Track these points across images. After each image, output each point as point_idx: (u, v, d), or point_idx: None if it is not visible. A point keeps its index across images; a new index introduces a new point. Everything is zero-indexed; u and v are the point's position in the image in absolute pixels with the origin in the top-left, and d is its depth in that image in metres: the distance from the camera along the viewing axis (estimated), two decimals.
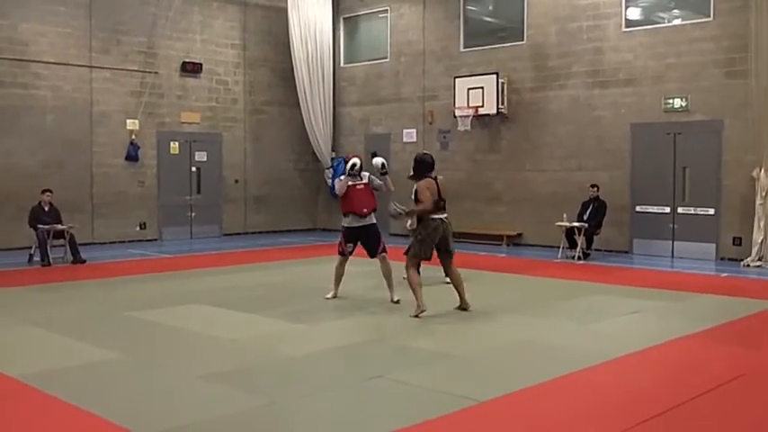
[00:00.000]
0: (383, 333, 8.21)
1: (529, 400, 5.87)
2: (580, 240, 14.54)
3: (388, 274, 9.90)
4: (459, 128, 17.52)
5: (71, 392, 5.88)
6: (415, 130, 19.08)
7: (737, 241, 13.97)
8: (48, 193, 14.14)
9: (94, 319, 9.02)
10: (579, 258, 14.42)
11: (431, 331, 8.39)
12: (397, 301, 9.65)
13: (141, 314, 9.09)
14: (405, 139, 19.30)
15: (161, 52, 18.00)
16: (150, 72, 17.76)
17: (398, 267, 10.02)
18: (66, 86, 16.56)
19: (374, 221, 9.97)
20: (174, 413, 5.50)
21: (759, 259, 13.32)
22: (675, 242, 14.76)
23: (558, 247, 14.95)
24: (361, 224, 9.87)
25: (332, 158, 20.52)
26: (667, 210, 14.82)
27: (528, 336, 8.14)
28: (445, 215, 9.11)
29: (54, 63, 16.33)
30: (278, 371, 6.71)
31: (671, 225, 14.80)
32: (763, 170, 13.21)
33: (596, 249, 14.95)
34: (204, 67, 18.75)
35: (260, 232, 19.78)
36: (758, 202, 13.31)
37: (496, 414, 5.53)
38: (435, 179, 9.12)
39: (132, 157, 17.47)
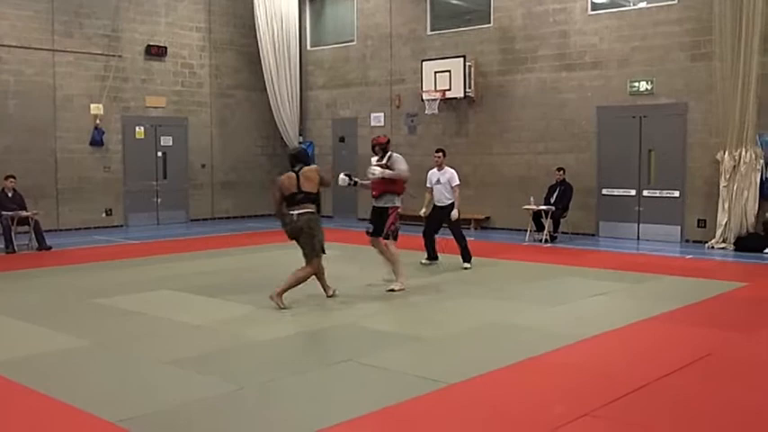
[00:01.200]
0: (352, 317, 8.19)
1: (498, 381, 5.92)
2: (547, 223, 14.64)
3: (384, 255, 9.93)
4: (426, 111, 17.51)
5: (39, 380, 5.81)
6: (382, 114, 19.04)
7: (702, 223, 14.16)
8: (11, 179, 13.92)
9: (61, 306, 8.92)
10: (546, 241, 14.53)
11: (400, 315, 8.43)
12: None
13: (108, 301, 9.00)
14: (372, 123, 19.24)
15: (125, 35, 17.73)
16: (114, 56, 17.49)
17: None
18: (29, 70, 16.25)
19: (386, 204, 9.90)
20: (143, 399, 5.45)
21: (723, 241, 13.51)
22: (641, 224, 14.92)
23: (526, 231, 15.05)
24: (374, 205, 10.10)
25: (299, 143, 20.40)
26: (633, 192, 14.97)
27: (496, 318, 8.19)
28: (303, 210, 8.65)
29: (16, 47, 16.00)
30: (246, 355, 6.69)
31: (636, 207, 14.95)
32: (726, 153, 13.38)
33: (563, 232, 15.07)
34: (169, 50, 18.51)
35: (228, 218, 19.66)
36: (722, 184, 13.48)
37: (466, 396, 5.56)
38: (298, 171, 8.81)
39: (97, 142, 17.22)
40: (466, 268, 11.41)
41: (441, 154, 11.80)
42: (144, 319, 8.16)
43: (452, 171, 11.63)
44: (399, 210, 9.92)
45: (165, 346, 6.94)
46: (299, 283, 8.75)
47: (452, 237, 11.73)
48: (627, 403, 5.35)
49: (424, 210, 11.79)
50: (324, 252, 8.86)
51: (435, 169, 11.69)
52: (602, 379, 5.94)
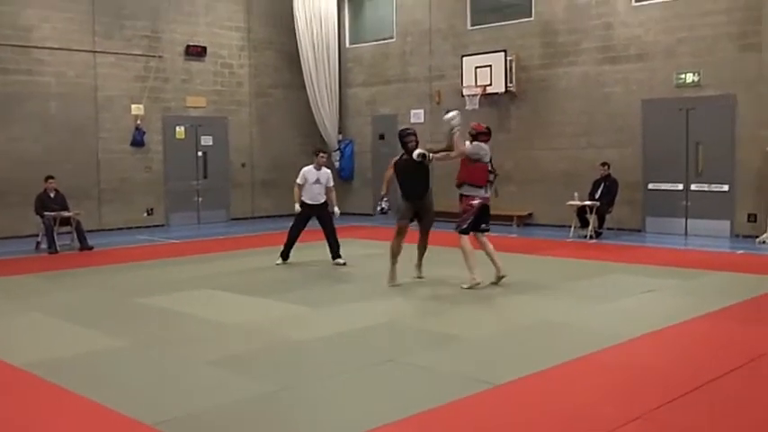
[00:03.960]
0: (394, 316, 8.05)
1: (545, 382, 5.72)
2: (592, 219, 14.34)
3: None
4: (467, 107, 17.27)
5: (76, 381, 5.76)
6: (422, 111, 18.87)
7: (752, 218, 13.75)
8: (51, 180, 14.04)
9: (102, 305, 8.91)
10: (591, 237, 14.23)
11: (442, 313, 8.26)
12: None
13: (149, 300, 8.98)
14: (412, 120, 19.06)
15: (165, 36, 17.81)
16: (154, 56, 17.58)
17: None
18: (70, 72, 16.39)
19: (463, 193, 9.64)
20: (182, 401, 5.37)
21: None
22: (689, 219, 14.55)
23: (570, 227, 14.77)
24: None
25: (339, 141, 20.35)
26: (680, 187, 14.60)
27: (542, 317, 7.98)
28: None
29: (57, 49, 16.16)
30: (287, 356, 6.58)
31: (684, 202, 14.58)
32: None
33: (608, 228, 14.76)
34: (208, 50, 18.55)
35: (268, 216, 19.61)
36: None
37: (512, 397, 5.38)
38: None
39: (138, 142, 17.33)
40: (341, 264, 11.53)
41: (326, 155, 12.24)
42: (184, 318, 8.11)
43: (329, 172, 11.93)
44: (474, 202, 9.37)
45: (205, 347, 6.86)
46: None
47: (325, 232, 11.75)
48: (680, 406, 5.13)
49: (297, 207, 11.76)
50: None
51: (313, 168, 11.76)
52: (653, 380, 5.71)
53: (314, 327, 7.63)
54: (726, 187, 14.06)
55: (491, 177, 9.50)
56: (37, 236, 13.89)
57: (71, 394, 5.49)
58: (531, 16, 16.72)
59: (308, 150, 20.51)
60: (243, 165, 19.43)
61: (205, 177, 18.66)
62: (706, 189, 14.30)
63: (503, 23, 17.23)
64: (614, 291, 9.36)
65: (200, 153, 18.57)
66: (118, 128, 17.10)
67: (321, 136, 20.25)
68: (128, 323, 7.91)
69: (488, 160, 9.51)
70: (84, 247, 13.69)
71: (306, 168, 11.86)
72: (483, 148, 9.48)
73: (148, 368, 6.25)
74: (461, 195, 9.54)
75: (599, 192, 14.57)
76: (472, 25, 17.83)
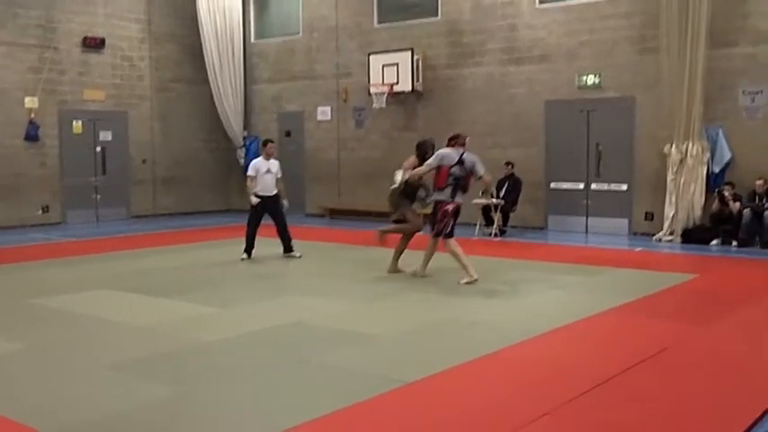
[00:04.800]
0: (301, 315, 7.91)
1: (455, 379, 5.71)
2: (497, 217, 14.53)
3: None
4: (374, 105, 17.27)
5: None
6: (329, 108, 18.73)
7: (649, 216, 14.21)
8: None
9: None
10: (496, 235, 14.41)
11: (353, 312, 8.16)
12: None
13: (45, 301, 8.55)
14: (319, 117, 18.94)
15: (61, 26, 17.09)
16: (49, 47, 16.85)
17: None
18: None
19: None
20: (80, 407, 5.09)
21: (670, 234, 13.58)
22: (589, 218, 14.94)
23: (476, 225, 14.92)
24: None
25: (244, 137, 20.00)
26: (581, 186, 14.97)
27: (450, 314, 8.00)
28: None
29: None
30: (193, 358, 6.35)
31: (585, 201, 14.96)
32: (674, 146, 13.44)
33: (512, 226, 14.99)
34: (107, 42, 17.91)
35: (170, 214, 19.11)
36: (669, 177, 13.55)
37: (423, 395, 5.34)
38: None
39: (32, 136, 16.58)
40: (295, 257, 11.69)
41: (274, 144, 12.31)
42: (84, 320, 7.74)
43: (278, 162, 11.88)
44: (448, 207, 9.52)
45: (104, 350, 6.55)
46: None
47: (276, 226, 11.77)
48: (588, 400, 5.19)
49: (254, 199, 11.63)
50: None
51: (262, 159, 11.73)
52: (561, 375, 5.77)
53: (222, 327, 7.41)
54: (624, 186, 14.49)
55: (450, 181, 9.44)
56: None
57: None
58: (437, 15, 16.81)
59: (211, 147, 20.23)
60: (144, 161, 18.85)
61: (104, 173, 18.01)
62: (606, 188, 14.71)
63: (409, 22, 17.27)
64: (520, 288, 9.49)
65: (98, 148, 17.91)
66: (10, 121, 16.30)
67: (225, 132, 19.89)
68: (20, 325, 7.50)
69: (454, 163, 9.43)
70: None
71: (255, 160, 11.80)
72: (444, 154, 9.54)
73: (43, 373, 5.91)
74: (435, 202, 9.69)
75: (503, 190, 14.76)
76: (379, 23, 17.81)
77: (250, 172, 11.62)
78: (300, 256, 11.67)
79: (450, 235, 9.67)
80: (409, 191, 10.21)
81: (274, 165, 11.68)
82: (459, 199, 9.59)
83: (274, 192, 11.64)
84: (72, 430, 4.64)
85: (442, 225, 9.61)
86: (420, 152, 10.08)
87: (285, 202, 11.86)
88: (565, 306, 8.40)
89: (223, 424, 4.84)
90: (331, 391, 5.44)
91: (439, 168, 9.51)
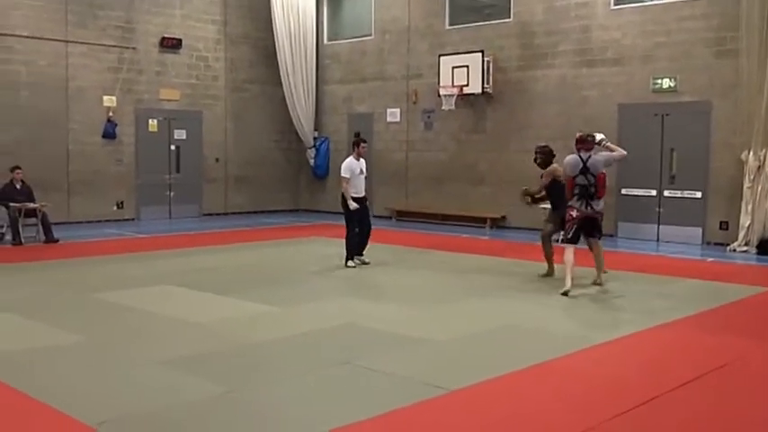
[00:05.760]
0: (355, 317, 7.91)
1: (503, 389, 5.62)
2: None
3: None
4: (443, 107, 17.18)
5: (19, 377, 5.60)
6: (398, 110, 18.73)
7: (724, 225, 13.73)
8: (17, 171, 13.78)
9: (59, 300, 8.69)
10: (563, 241, 14.11)
11: (405, 316, 8.11)
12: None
13: (110, 296, 8.78)
14: (388, 119, 18.95)
15: (139, 27, 17.55)
16: (128, 48, 17.32)
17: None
18: (41, 61, 16.10)
19: None
20: (125, 401, 5.20)
21: (745, 244, 13.10)
22: (661, 226, 14.51)
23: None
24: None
25: (314, 138, 20.18)
26: (653, 193, 14.56)
27: (510, 320, 7.90)
28: None
29: (28, 37, 15.86)
30: (242, 357, 6.42)
31: (657, 208, 14.54)
32: (751, 152, 12.96)
33: None
34: (184, 42, 18.30)
35: (241, 212, 19.42)
36: (746, 185, 13.07)
37: (468, 404, 5.26)
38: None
39: (109, 134, 17.07)
40: (365, 262, 11.21)
41: (367, 144, 11.65)
42: (143, 315, 7.92)
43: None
44: (572, 212, 9.39)
45: (160, 345, 6.69)
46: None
47: (361, 228, 11.23)
48: (635, 417, 5.03)
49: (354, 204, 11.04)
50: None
51: (353, 158, 11.19)
52: (611, 389, 5.61)
53: (275, 326, 7.50)
54: (699, 194, 14.03)
55: (576, 190, 9.24)
56: (1, 227, 13.61)
57: (10, 390, 5.31)
58: (509, 17, 16.62)
59: (282, 147, 20.48)
60: (217, 160, 19.20)
61: (177, 171, 18.41)
62: (679, 195, 14.27)
63: (481, 23, 17.12)
64: (581, 297, 9.25)
65: (172, 147, 18.32)
66: (89, 119, 16.82)
67: (296, 133, 20.09)
68: (83, 319, 7.71)
69: (577, 173, 9.23)
70: (50, 239, 13.45)
71: (348, 160, 11.18)
72: (567, 162, 9.43)
73: (96, 366, 6.07)
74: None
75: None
76: (450, 24, 17.71)
77: (345, 174, 11.00)
78: (369, 263, 11.22)
79: (571, 241, 9.38)
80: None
81: (364, 165, 11.22)
82: (593, 207, 9.24)
83: (363, 193, 11.25)
84: (111, 423, 4.73)
85: (565, 228, 9.51)
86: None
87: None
88: (623, 318, 8.18)
89: (263, 424, 4.87)
90: (371, 395, 5.43)
91: (569, 178, 9.31)
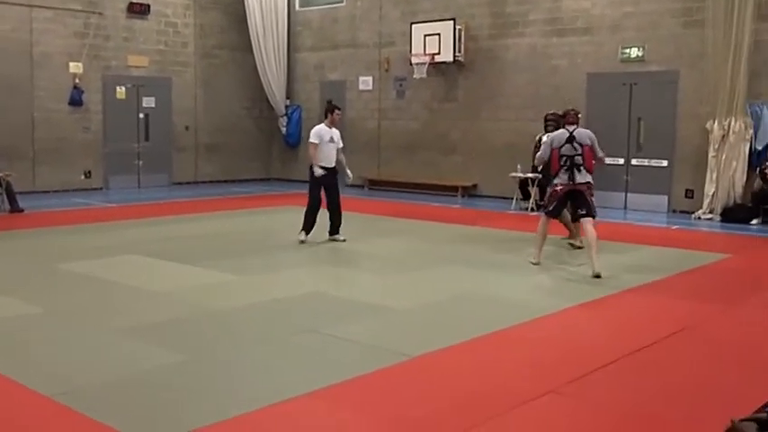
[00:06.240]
0: (323, 286, 7.95)
1: (462, 354, 5.69)
2: (533, 192, 14.36)
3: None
4: (415, 75, 17.13)
5: None
6: (371, 78, 18.64)
7: (690, 193, 13.91)
8: None
9: (24, 271, 8.58)
10: (533, 210, 14.24)
11: (373, 284, 8.18)
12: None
13: (73, 266, 8.71)
14: (360, 87, 18.87)
15: None
16: (95, 12, 17.04)
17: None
18: (4, 26, 15.78)
19: None
20: (86, 371, 5.18)
21: (710, 212, 13.29)
22: (628, 194, 14.67)
23: (512, 199, 14.78)
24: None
25: (286, 106, 20.06)
26: (621, 161, 14.67)
27: (472, 288, 7.96)
28: None
29: None
30: (206, 325, 6.43)
31: (624, 177, 14.68)
32: (716, 122, 13.10)
33: None
34: (152, 8, 18.02)
35: (211, 181, 19.30)
36: (711, 154, 13.22)
37: (426, 370, 5.33)
38: None
39: (76, 101, 16.83)
40: (339, 240, 10.57)
41: (341, 112, 11.08)
42: (107, 285, 7.87)
43: (338, 132, 10.71)
44: (557, 188, 9.16)
45: (122, 315, 6.66)
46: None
47: (329, 202, 10.56)
48: (593, 380, 5.13)
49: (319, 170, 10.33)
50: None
51: (325, 126, 10.50)
52: (571, 354, 5.71)
53: (240, 295, 7.50)
54: (665, 163, 14.18)
55: (563, 161, 8.95)
56: None
57: None
58: None
59: (254, 115, 20.33)
60: (186, 128, 19.02)
61: (146, 140, 18.23)
62: (646, 164, 14.41)
63: None
64: (547, 263, 9.34)
65: (141, 115, 18.11)
66: (55, 86, 16.56)
67: (268, 100, 19.95)
68: (46, 290, 7.66)
69: (563, 143, 8.98)
70: (15, 209, 13.29)
71: (318, 126, 10.52)
72: (552, 137, 9.29)
73: (57, 336, 6.04)
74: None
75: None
76: None
77: (313, 139, 10.33)
78: (345, 240, 10.56)
79: (550, 214, 9.29)
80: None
81: (336, 134, 10.50)
82: (579, 179, 8.96)
83: (334, 163, 10.49)
84: (72, 393, 4.72)
85: (547, 202, 9.47)
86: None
87: (350, 173, 10.80)
88: (589, 284, 8.27)
89: (221, 392, 4.88)
90: (335, 362, 5.47)
91: (551, 152, 9.12)
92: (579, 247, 10.01)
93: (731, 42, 12.71)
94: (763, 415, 3.09)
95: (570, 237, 10.55)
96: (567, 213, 9.95)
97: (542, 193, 14.42)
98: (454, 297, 7.57)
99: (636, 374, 5.28)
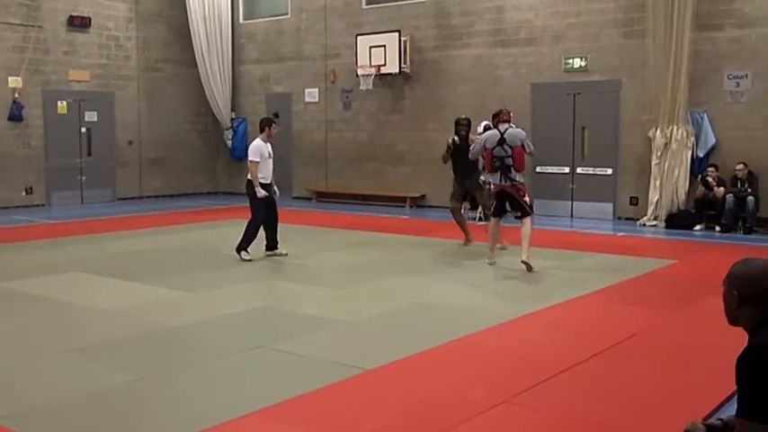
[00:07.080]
0: (271, 301, 7.85)
1: (415, 365, 5.65)
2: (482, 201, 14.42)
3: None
4: (361, 87, 17.15)
5: None
6: (317, 90, 18.59)
7: (634, 201, 14.15)
8: None
9: None
10: (481, 219, 14.29)
11: (322, 297, 8.10)
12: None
13: (16, 285, 8.47)
14: (307, 99, 18.81)
15: (45, 5, 16.89)
16: (34, 26, 16.67)
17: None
18: None
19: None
20: (27, 393, 5.02)
21: (654, 218, 13.52)
22: (574, 202, 14.86)
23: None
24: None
25: (231, 119, 19.88)
26: (566, 170, 14.88)
27: (421, 298, 7.94)
28: None
29: None
30: (153, 343, 6.29)
31: (570, 185, 14.87)
32: (658, 130, 13.36)
33: None
34: (93, 21, 17.71)
35: (157, 196, 19.02)
36: (654, 161, 13.47)
37: (381, 382, 5.29)
38: None
39: (16, 116, 16.43)
40: (281, 254, 10.31)
41: (278, 125, 10.85)
42: (51, 304, 7.67)
43: None
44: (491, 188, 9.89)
45: (65, 334, 6.50)
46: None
47: (269, 217, 10.22)
48: (546, 388, 5.14)
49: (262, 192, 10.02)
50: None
51: (261, 140, 10.12)
52: (523, 363, 5.72)
53: (187, 311, 7.36)
54: (609, 171, 14.42)
55: (495, 162, 9.32)
56: None
57: None
58: None
59: (199, 129, 20.10)
60: (130, 142, 18.71)
61: (89, 155, 17.87)
62: (591, 172, 14.63)
63: (397, 3, 17.10)
64: (495, 273, 9.41)
65: (83, 129, 17.75)
66: None
67: (213, 114, 19.77)
68: None
69: (495, 145, 9.31)
70: None
71: (257, 142, 10.10)
72: (485, 136, 9.58)
73: None
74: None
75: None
76: (367, 4, 17.64)
77: (254, 157, 9.90)
78: (286, 254, 10.34)
79: (494, 215, 9.72)
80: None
81: (270, 147, 10.21)
82: (507, 181, 9.32)
83: (270, 179, 10.23)
84: (15, 416, 4.57)
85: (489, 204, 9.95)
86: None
87: (276, 190, 10.48)
88: (537, 292, 8.35)
89: (167, 413, 4.77)
90: (285, 378, 5.39)
91: (485, 152, 9.43)
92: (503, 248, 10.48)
93: (671, 52, 12.99)
94: (718, 422, 3.12)
95: (466, 240, 11.26)
96: (464, 216, 11.09)
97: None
98: (405, 308, 7.54)
99: (588, 382, 5.31)
